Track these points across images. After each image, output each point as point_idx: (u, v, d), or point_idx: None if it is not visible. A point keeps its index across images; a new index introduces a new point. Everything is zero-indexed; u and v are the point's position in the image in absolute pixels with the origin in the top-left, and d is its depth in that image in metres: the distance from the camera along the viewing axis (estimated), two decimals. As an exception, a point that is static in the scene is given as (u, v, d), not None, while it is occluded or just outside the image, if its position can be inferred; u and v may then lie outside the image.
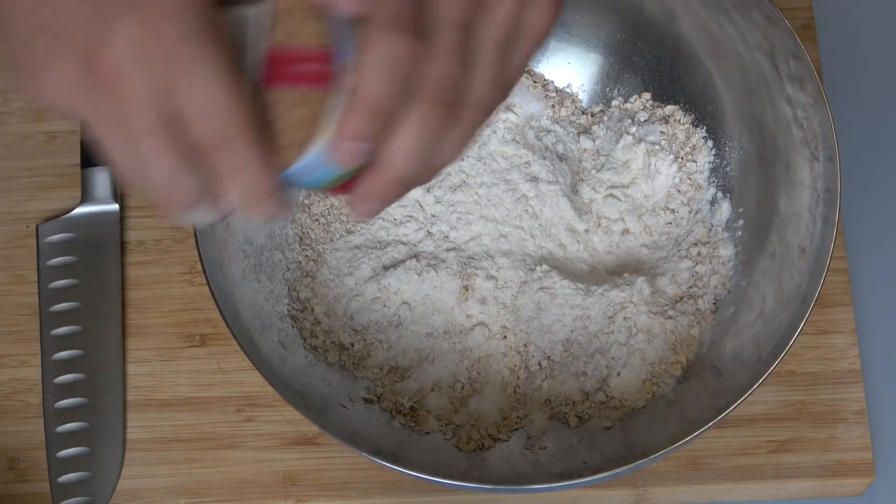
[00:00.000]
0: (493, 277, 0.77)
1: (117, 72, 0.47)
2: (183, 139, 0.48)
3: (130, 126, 0.48)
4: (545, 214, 0.79)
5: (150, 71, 0.47)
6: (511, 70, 0.53)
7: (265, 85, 0.50)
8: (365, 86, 0.49)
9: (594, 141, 0.82)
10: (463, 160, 0.80)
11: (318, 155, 0.50)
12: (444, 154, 0.53)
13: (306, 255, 0.79)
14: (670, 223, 0.80)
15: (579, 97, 0.84)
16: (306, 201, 0.80)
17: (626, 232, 0.80)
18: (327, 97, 0.49)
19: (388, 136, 0.50)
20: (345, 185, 0.53)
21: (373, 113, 0.49)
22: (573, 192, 0.80)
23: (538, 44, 0.54)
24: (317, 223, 0.80)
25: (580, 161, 0.82)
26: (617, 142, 0.81)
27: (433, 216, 0.80)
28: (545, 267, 0.77)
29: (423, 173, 0.53)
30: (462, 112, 0.51)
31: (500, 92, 0.53)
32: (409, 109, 0.50)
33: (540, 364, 0.76)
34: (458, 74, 0.50)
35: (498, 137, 0.81)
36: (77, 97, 0.48)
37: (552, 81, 0.83)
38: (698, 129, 0.81)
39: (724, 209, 0.79)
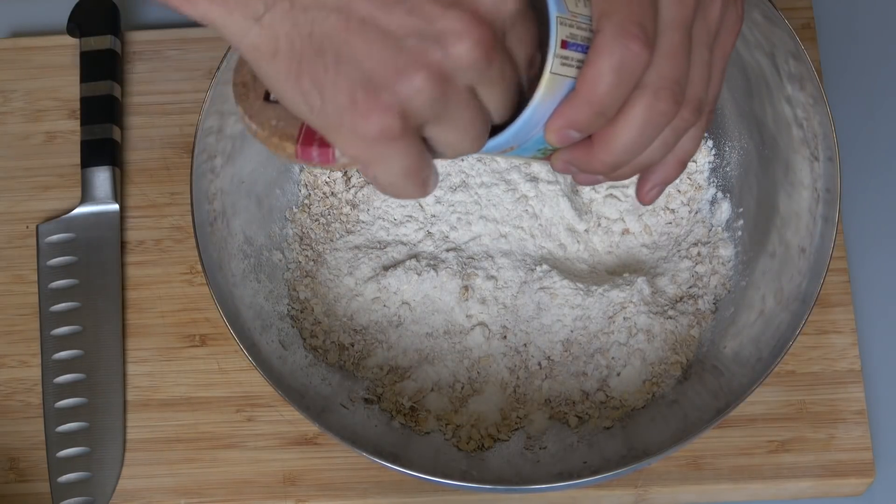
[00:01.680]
0: (493, 277, 0.77)
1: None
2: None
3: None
4: (545, 214, 0.79)
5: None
6: (718, 68, 0.56)
7: None
8: (591, 82, 0.52)
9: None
10: (462, 160, 0.80)
11: (530, 117, 0.53)
12: (657, 151, 0.56)
13: (306, 255, 0.79)
14: (670, 223, 0.80)
15: (579, 97, 0.84)
16: (306, 201, 0.80)
17: (626, 232, 0.80)
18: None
19: (611, 124, 0.53)
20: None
21: (593, 109, 0.52)
22: (573, 191, 0.80)
23: (734, 43, 0.57)
24: (317, 223, 0.80)
25: (580, 161, 0.82)
26: (617, 142, 0.81)
27: (433, 216, 0.80)
28: (545, 267, 0.77)
29: (635, 165, 0.56)
30: (683, 109, 0.54)
31: (713, 90, 0.56)
32: (633, 103, 0.53)
33: (540, 364, 0.76)
34: (682, 73, 0.53)
35: (498, 137, 0.80)
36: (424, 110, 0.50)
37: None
38: (698, 129, 0.81)
39: (724, 209, 0.79)
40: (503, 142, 0.54)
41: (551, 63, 0.52)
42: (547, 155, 0.57)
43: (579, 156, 0.55)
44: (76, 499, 0.79)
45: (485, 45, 0.49)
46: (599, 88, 0.52)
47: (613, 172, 0.56)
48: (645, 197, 0.60)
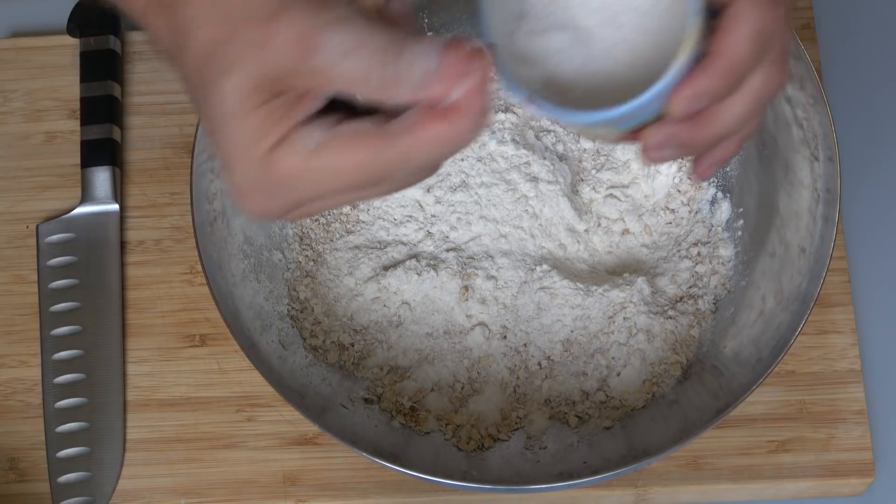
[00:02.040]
0: (493, 277, 0.77)
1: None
2: None
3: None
4: (545, 214, 0.79)
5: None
6: None
7: None
8: (732, 48, 0.50)
9: (594, 141, 0.82)
10: (463, 160, 0.80)
11: (665, 87, 0.51)
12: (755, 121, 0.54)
13: (306, 255, 0.79)
14: (670, 223, 0.80)
15: (579, 97, 0.84)
16: (306, 201, 0.80)
17: (626, 232, 0.80)
18: None
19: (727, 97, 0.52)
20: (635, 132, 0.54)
21: (731, 76, 0.51)
22: (573, 192, 0.80)
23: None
24: (317, 223, 0.80)
25: (580, 161, 0.82)
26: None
27: (433, 216, 0.80)
28: (545, 267, 0.77)
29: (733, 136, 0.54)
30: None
31: None
32: (754, 73, 0.51)
33: (540, 364, 0.76)
34: (791, 42, 0.53)
35: (497, 138, 0.81)
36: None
37: (552, 81, 0.83)
38: (698, 129, 0.81)
39: (724, 209, 0.79)
40: (625, 112, 0.51)
41: (694, 30, 0.50)
42: (634, 131, 0.54)
43: (681, 130, 0.53)
44: (76, 499, 0.79)
45: (259, 213, 0.50)
46: (740, 54, 0.50)
47: (707, 148, 0.54)
48: (704, 173, 0.58)
